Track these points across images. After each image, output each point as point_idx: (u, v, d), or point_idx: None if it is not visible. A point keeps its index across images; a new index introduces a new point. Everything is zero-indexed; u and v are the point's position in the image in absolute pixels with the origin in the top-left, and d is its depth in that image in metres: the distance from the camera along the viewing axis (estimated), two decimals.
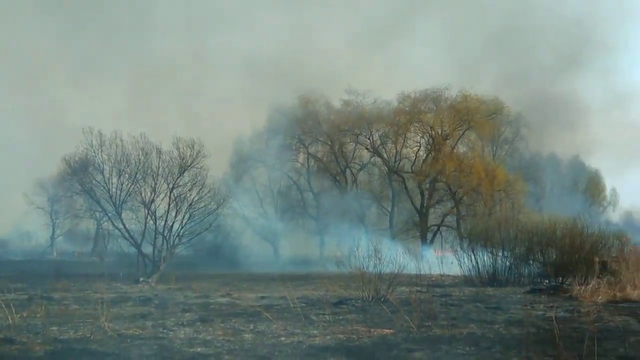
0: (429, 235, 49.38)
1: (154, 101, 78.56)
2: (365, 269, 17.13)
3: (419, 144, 51.26)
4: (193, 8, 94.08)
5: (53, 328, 12.00)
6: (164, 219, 26.90)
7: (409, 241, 46.84)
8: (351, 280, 17.83)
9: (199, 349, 9.98)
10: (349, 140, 53.04)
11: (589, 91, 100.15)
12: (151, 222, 27.01)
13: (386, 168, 52.14)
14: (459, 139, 50.63)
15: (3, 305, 13.09)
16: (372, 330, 11.65)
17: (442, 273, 25.50)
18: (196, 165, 27.38)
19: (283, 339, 10.88)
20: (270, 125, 52.74)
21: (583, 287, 18.83)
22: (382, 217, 53.08)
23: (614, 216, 68.75)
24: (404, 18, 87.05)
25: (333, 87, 56.12)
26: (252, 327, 12.18)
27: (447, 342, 10.49)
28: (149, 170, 27.01)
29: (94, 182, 26.98)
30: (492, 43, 79.23)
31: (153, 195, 27.13)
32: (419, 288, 17.61)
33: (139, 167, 26.83)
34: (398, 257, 18.34)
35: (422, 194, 50.24)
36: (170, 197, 27.16)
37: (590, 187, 68.25)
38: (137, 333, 11.41)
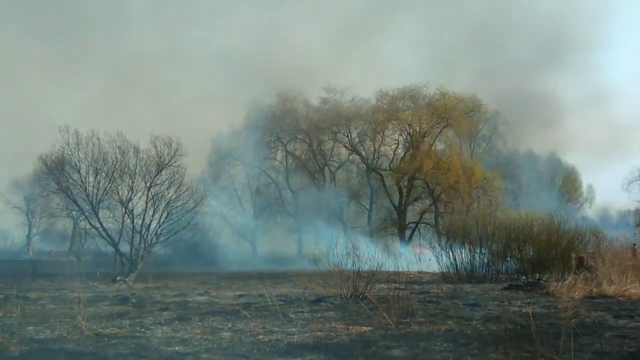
0: (407, 233, 49.62)
1: (130, 99, 78.23)
2: (344, 266, 17.13)
3: (397, 142, 51.56)
4: (169, 5, 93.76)
5: (29, 328, 11.85)
6: (142, 217, 26.69)
7: (387, 238, 47.12)
8: (329, 278, 17.85)
9: (176, 348, 9.92)
10: (327, 138, 53.19)
11: (566, 89, 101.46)
12: (128, 220, 26.77)
13: (364, 166, 52.31)
14: (437, 137, 50.90)
15: None
16: (351, 327, 11.64)
17: (420, 270, 25.56)
18: (174, 164, 27.14)
19: (261, 337, 10.85)
20: (248, 123, 52.72)
21: (560, 283, 19.02)
22: (361, 214, 53.29)
23: (590, 212, 69.72)
24: (382, 15, 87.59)
25: (311, 84, 56.33)
26: (230, 326, 12.13)
27: (425, 339, 10.52)
28: (126, 169, 26.74)
29: (70, 180, 26.66)
30: (469, 41, 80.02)
31: (130, 193, 26.88)
32: (397, 285, 17.61)
33: (116, 166, 26.54)
34: (376, 255, 18.38)
35: (400, 191, 50.45)
36: (147, 196, 26.92)
37: (567, 183, 69.02)
38: (115, 332, 11.31)
